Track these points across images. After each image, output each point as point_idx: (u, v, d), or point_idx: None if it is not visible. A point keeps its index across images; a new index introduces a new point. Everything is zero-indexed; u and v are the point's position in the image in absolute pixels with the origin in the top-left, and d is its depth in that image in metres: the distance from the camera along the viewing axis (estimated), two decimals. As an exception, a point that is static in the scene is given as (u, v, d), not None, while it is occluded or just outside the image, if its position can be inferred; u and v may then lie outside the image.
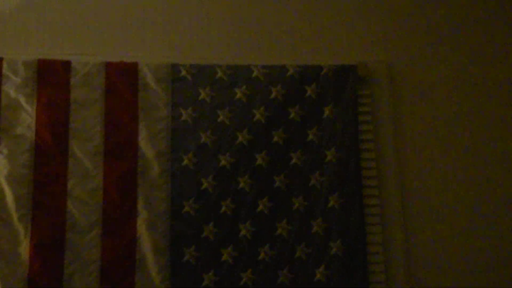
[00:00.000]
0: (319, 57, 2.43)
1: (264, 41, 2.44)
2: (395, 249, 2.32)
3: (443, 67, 2.49)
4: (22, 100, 2.22)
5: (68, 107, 2.24)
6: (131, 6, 2.42)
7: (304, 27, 2.47)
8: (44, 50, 2.33)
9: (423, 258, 2.33)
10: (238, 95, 2.32)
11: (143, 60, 2.32)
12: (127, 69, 2.30)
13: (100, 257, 2.15)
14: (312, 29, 2.47)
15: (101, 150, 2.23)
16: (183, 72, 2.32)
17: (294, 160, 2.31)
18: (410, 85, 2.47)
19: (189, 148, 2.26)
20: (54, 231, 2.15)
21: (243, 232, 2.24)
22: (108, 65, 2.29)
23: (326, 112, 2.35)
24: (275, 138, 2.31)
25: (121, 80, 2.28)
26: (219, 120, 2.30)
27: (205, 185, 2.24)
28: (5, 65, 2.24)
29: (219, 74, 2.33)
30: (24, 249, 2.12)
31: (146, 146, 2.25)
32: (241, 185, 2.26)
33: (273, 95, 2.33)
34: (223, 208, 2.24)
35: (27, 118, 2.21)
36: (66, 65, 2.27)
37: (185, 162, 2.25)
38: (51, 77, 2.25)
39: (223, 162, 2.27)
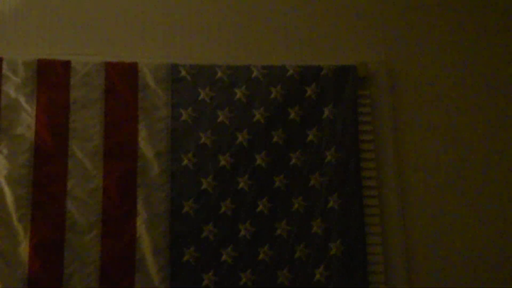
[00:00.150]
0: (319, 57, 2.43)
1: (264, 41, 2.44)
2: (394, 249, 2.32)
3: (443, 67, 2.49)
4: (22, 100, 2.23)
5: (68, 107, 2.24)
6: (131, 6, 2.42)
7: (303, 27, 2.47)
8: (44, 50, 2.33)
9: (423, 259, 2.33)
10: (238, 95, 2.32)
11: (143, 60, 2.32)
12: (127, 69, 2.30)
13: (100, 257, 2.15)
14: (312, 29, 2.47)
15: (100, 150, 2.23)
16: (183, 72, 2.32)
17: (293, 161, 2.31)
18: (410, 85, 2.47)
19: (189, 148, 2.26)
20: (54, 231, 2.15)
21: (242, 233, 2.24)
22: (108, 65, 2.29)
23: (326, 112, 2.35)
24: (275, 138, 2.31)
25: (121, 80, 2.28)
26: (219, 120, 2.30)
27: (204, 185, 2.24)
28: (5, 65, 2.24)
29: (219, 74, 2.33)
30: (24, 249, 2.12)
31: (145, 146, 2.25)
32: (241, 185, 2.26)
33: (273, 95, 2.33)
34: (223, 208, 2.24)
35: (27, 118, 2.22)
36: (66, 65, 2.27)
37: (185, 162, 2.25)
38: (51, 77, 2.25)
39: (222, 162, 2.27)
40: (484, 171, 2.42)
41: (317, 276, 2.24)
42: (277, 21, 2.47)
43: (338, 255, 2.25)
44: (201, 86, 2.32)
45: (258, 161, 2.28)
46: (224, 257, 2.21)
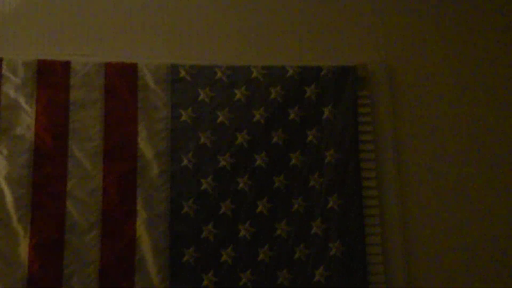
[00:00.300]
0: (318, 58, 2.43)
1: (264, 41, 2.44)
2: (394, 250, 2.32)
3: (443, 68, 2.49)
4: (21, 100, 2.23)
5: (68, 108, 2.24)
6: (131, 7, 2.42)
7: (303, 28, 2.47)
8: (44, 50, 2.33)
9: (423, 259, 2.33)
10: (238, 95, 2.32)
11: (142, 61, 2.32)
12: (127, 70, 2.30)
13: (100, 258, 2.15)
14: (312, 30, 2.47)
15: (100, 150, 2.23)
16: (183, 73, 2.32)
17: (293, 161, 2.31)
18: (410, 86, 2.47)
19: (189, 148, 2.26)
20: (54, 231, 2.15)
21: (242, 233, 2.24)
22: (108, 66, 2.29)
23: (326, 113, 2.35)
24: (275, 139, 2.31)
25: (121, 80, 2.28)
26: (218, 120, 2.30)
27: (204, 185, 2.24)
28: (4, 66, 2.24)
29: (219, 74, 2.33)
30: (24, 249, 2.12)
31: (145, 146, 2.25)
32: (241, 185, 2.26)
33: (272, 96, 2.33)
34: (223, 209, 2.24)
35: (26, 119, 2.22)
36: (65, 66, 2.27)
37: (185, 162, 2.25)
38: (50, 78, 2.25)
39: (222, 163, 2.27)
40: (484, 171, 2.42)
41: (317, 276, 2.24)
42: (277, 21, 2.47)
43: (338, 256, 2.25)
44: (201, 86, 2.32)
45: (258, 162, 2.28)
46: (224, 258, 2.21)
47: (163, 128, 2.27)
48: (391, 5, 2.53)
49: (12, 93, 2.23)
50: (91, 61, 2.29)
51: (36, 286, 2.10)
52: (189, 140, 2.27)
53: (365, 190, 2.34)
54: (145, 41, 2.40)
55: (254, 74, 2.34)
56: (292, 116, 2.33)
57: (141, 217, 2.19)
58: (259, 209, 2.26)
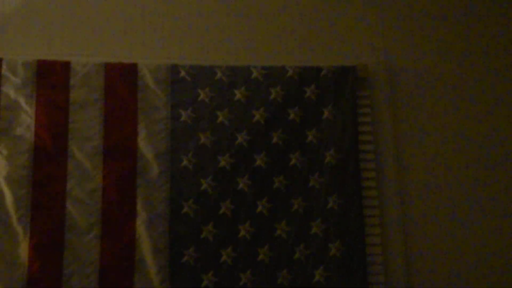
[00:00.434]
0: (318, 58, 2.43)
1: (264, 42, 2.44)
2: (394, 250, 2.32)
3: (443, 67, 2.49)
4: (21, 100, 2.23)
5: (68, 108, 2.25)
6: (131, 7, 2.42)
7: (303, 28, 2.47)
8: (44, 50, 2.33)
9: (422, 259, 2.33)
10: (238, 96, 2.32)
11: (142, 61, 2.32)
12: (127, 70, 2.30)
13: (99, 258, 2.15)
14: (312, 30, 2.47)
15: (100, 150, 2.23)
16: (183, 73, 2.32)
17: (293, 161, 2.31)
18: (410, 86, 2.46)
19: (189, 148, 2.26)
20: (53, 231, 2.15)
21: (242, 233, 2.24)
22: (108, 66, 2.29)
23: (326, 113, 2.35)
24: (275, 139, 2.31)
25: (121, 81, 2.28)
26: (218, 121, 2.30)
27: (204, 186, 2.24)
28: (4, 66, 2.24)
29: (219, 75, 2.33)
30: (23, 249, 2.12)
31: (145, 146, 2.25)
32: (241, 186, 2.26)
33: (272, 96, 2.33)
34: (223, 209, 2.24)
35: (26, 119, 2.22)
36: (65, 66, 2.27)
37: (185, 162, 2.25)
38: (50, 78, 2.25)
39: (222, 163, 2.27)
40: (484, 171, 2.42)
41: (317, 276, 2.24)
42: (277, 21, 2.47)
43: (337, 256, 2.25)
44: (200, 86, 2.32)
45: (258, 162, 2.28)
46: (223, 258, 2.21)
47: (163, 128, 2.27)
48: (391, 5, 2.53)
49: (12, 93, 2.23)
50: (91, 61, 2.29)
51: (36, 286, 2.10)
52: (189, 140, 2.27)
53: (365, 190, 2.34)
54: (145, 41, 2.40)
55: (254, 75, 2.34)
56: (292, 116, 2.33)
57: (141, 217, 2.20)
58: (259, 209, 2.26)
